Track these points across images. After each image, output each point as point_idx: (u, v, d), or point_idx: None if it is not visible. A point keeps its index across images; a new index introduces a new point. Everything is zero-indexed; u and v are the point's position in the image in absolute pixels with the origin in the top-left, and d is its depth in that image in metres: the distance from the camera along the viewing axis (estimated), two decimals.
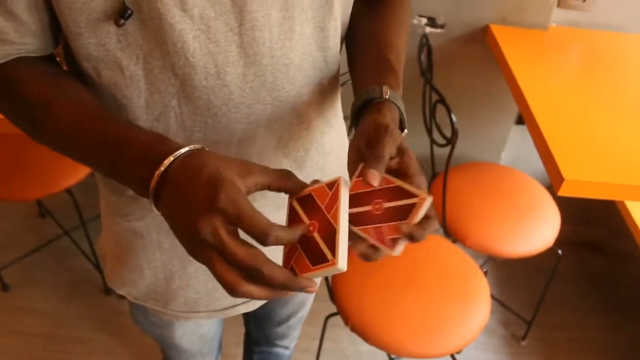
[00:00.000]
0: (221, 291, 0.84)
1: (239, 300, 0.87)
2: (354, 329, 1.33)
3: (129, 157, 0.56)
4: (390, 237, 0.53)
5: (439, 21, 1.69)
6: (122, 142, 0.57)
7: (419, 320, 1.32)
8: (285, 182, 0.54)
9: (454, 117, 1.33)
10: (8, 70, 0.62)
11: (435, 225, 0.55)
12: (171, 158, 0.52)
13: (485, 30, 1.70)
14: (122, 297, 0.87)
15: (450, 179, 1.76)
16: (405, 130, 0.65)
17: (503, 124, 1.92)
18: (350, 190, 0.57)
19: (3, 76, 0.62)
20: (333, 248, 0.51)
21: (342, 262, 0.50)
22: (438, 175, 1.81)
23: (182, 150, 0.53)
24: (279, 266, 0.50)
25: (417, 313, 1.33)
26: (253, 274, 0.48)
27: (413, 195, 0.54)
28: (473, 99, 1.85)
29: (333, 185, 0.55)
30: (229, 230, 0.48)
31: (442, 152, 1.95)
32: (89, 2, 0.56)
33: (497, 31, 1.66)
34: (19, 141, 1.73)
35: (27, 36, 0.60)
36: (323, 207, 0.54)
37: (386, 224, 0.54)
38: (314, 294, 1.14)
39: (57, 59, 0.69)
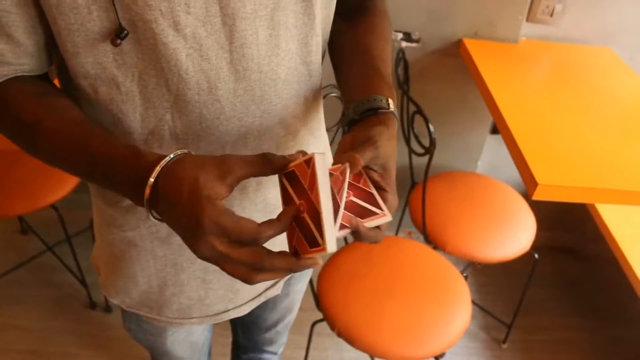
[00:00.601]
0: (212, 297, 0.87)
1: (230, 305, 0.90)
2: (340, 334, 1.36)
3: (119, 175, 0.60)
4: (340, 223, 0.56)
5: (414, 36, 1.75)
6: (110, 160, 0.60)
7: (402, 323, 1.36)
8: (264, 167, 0.57)
9: (432, 127, 1.39)
10: (1, 91, 0.64)
11: (379, 238, 0.61)
12: (157, 169, 0.56)
13: (458, 44, 1.77)
14: (107, 311, 0.89)
15: (429, 187, 1.81)
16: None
17: (478, 133, 1.98)
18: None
19: None
20: (321, 231, 0.53)
21: (330, 245, 0.52)
22: (417, 184, 1.86)
23: (166, 160, 0.57)
24: (279, 256, 0.55)
25: (401, 317, 1.37)
26: (258, 267, 0.53)
27: (378, 207, 0.59)
28: (449, 110, 1.91)
29: (309, 162, 0.55)
30: (223, 242, 0.53)
31: (420, 162, 2.00)
32: (86, 23, 0.59)
33: (470, 45, 1.72)
34: (3, 157, 1.73)
35: (23, 57, 0.63)
36: (306, 186, 0.55)
37: (344, 212, 0.57)
38: (300, 299, 1.18)
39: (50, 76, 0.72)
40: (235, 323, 1.26)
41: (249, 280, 0.55)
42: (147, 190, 0.56)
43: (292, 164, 0.58)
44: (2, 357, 1.81)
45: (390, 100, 0.68)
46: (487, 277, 2.19)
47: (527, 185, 1.24)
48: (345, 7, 0.82)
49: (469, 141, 1.99)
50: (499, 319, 2.00)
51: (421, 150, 1.53)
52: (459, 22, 1.73)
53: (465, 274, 1.75)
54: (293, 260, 0.56)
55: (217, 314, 0.90)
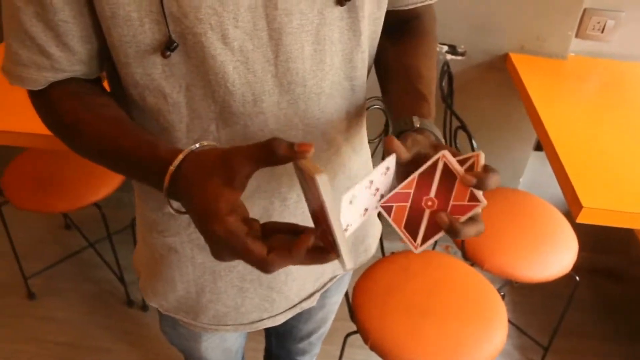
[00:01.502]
0: (248, 306, 0.88)
1: (265, 314, 0.90)
2: (373, 348, 1.35)
3: (147, 169, 0.61)
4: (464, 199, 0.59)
5: (460, 49, 1.73)
6: (139, 157, 0.62)
7: (437, 340, 1.34)
8: (270, 158, 0.52)
9: (474, 143, 1.37)
10: (50, 92, 0.67)
11: (480, 229, 0.62)
12: (180, 157, 0.57)
13: (505, 59, 1.74)
14: (144, 309, 0.91)
15: None
16: None
17: (522, 150, 1.95)
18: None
19: (44, 98, 0.68)
20: (338, 252, 0.53)
21: (348, 264, 0.53)
22: None
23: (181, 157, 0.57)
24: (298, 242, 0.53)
25: (435, 334, 1.35)
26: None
27: (472, 198, 0.59)
28: (492, 125, 1.88)
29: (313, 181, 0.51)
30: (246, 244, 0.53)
31: None
32: (138, 35, 0.61)
33: (517, 60, 1.69)
34: (50, 156, 1.79)
35: (76, 64, 0.65)
36: (318, 199, 0.51)
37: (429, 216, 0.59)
38: (335, 311, 1.18)
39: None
40: (269, 332, 1.27)
41: (265, 267, 0.53)
42: (167, 179, 0.57)
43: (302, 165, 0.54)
44: (40, 348, 1.86)
45: (414, 118, 0.68)
46: (523, 296, 2.14)
47: (571, 207, 1.21)
48: (392, 25, 0.82)
49: (511, 157, 1.96)
50: (535, 339, 1.95)
51: None
52: (506, 36, 1.70)
53: (502, 293, 1.72)
54: (325, 254, 0.55)
55: (252, 322, 0.90)
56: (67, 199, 1.66)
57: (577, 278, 1.69)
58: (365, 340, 1.36)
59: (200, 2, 0.59)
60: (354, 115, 0.79)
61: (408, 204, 0.60)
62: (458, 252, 1.70)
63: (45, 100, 0.68)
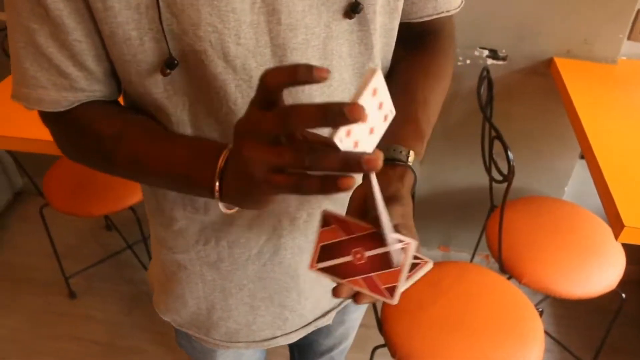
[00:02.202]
0: (260, 324, 0.86)
1: (278, 332, 0.89)
2: None
3: (194, 163, 0.58)
4: (385, 286, 0.51)
5: (501, 53, 1.66)
6: (189, 152, 0.60)
7: (468, 358, 1.29)
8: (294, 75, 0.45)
9: (510, 155, 1.30)
10: (78, 113, 0.66)
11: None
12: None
13: (549, 63, 1.66)
14: None
15: (509, 212, 1.72)
16: None
17: (567, 158, 1.85)
18: (321, 241, 0.54)
19: (74, 118, 0.66)
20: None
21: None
22: (497, 208, 1.77)
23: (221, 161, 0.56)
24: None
25: (466, 351, 1.30)
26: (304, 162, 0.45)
27: (417, 257, 0.54)
28: (535, 132, 1.80)
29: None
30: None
31: (501, 184, 1.91)
32: (138, 54, 0.59)
33: (562, 64, 1.61)
34: None
35: (95, 84, 0.64)
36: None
37: (376, 274, 0.52)
38: (357, 327, 1.15)
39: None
40: (292, 346, 1.25)
41: (299, 187, 0.47)
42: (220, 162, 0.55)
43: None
44: (80, 346, 1.91)
45: (411, 153, 0.63)
46: (566, 310, 2.04)
47: (613, 225, 1.14)
48: (407, 36, 0.78)
49: (556, 166, 1.87)
50: (576, 355, 1.85)
51: (500, 177, 1.45)
52: (551, 39, 1.62)
53: (540, 309, 1.64)
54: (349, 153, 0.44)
55: (265, 340, 0.89)
56: (103, 203, 1.70)
57: (624, 295, 1.60)
58: (393, 354, 1.33)
59: (199, 19, 0.57)
60: None
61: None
62: (495, 264, 1.63)
63: (71, 122, 0.67)
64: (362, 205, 0.58)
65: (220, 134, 0.66)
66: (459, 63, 1.68)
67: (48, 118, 0.68)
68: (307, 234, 0.77)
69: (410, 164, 0.63)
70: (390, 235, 0.51)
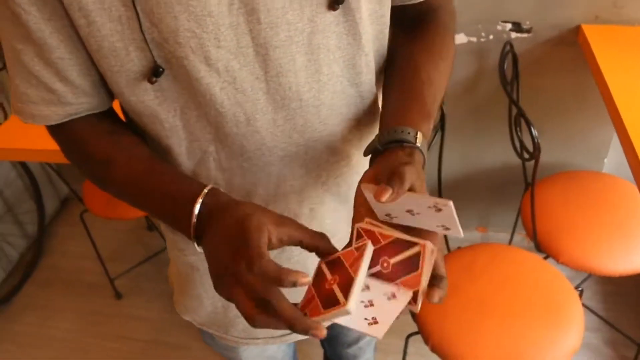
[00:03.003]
0: None
1: None
2: (434, 350, 1.30)
3: (172, 213, 0.62)
4: (410, 291, 0.53)
5: (525, 25, 1.60)
6: (166, 200, 0.63)
7: (502, 343, 1.26)
8: (319, 242, 0.56)
9: (535, 132, 1.26)
10: (71, 130, 0.68)
11: (445, 285, 0.54)
12: (195, 210, 0.58)
13: (576, 31, 1.58)
14: None
15: (544, 190, 1.66)
16: None
17: (603, 128, 1.77)
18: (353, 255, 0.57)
19: (67, 135, 0.69)
20: (347, 293, 0.52)
21: (352, 303, 0.50)
22: (530, 186, 1.71)
23: (200, 202, 0.58)
24: (289, 303, 0.51)
25: (501, 336, 1.27)
26: (266, 305, 0.51)
27: (413, 244, 0.53)
28: (568, 104, 1.73)
29: (360, 247, 0.55)
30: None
31: (542, 158, 1.84)
32: (125, 64, 0.60)
33: (590, 31, 1.53)
34: None
35: (82, 97, 0.66)
36: (347, 265, 0.55)
37: (400, 280, 0.53)
38: None
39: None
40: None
41: (251, 319, 0.52)
42: (193, 223, 0.59)
43: (338, 253, 0.57)
44: (127, 345, 1.98)
45: (419, 134, 0.62)
46: (614, 286, 1.96)
47: None
48: (404, 19, 0.76)
49: (593, 137, 1.79)
50: (626, 334, 1.78)
51: (528, 155, 1.40)
52: (577, 5, 1.54)
53: (580, 288, 1.59)
54: (298, 313, 0.52)
55: (283, 335, 0.90)
56: None
57: None
58: (426, 341, 1.32)
59: (177, 26, 0.57)
60: (365, 123, 0.74)
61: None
62: (530, 243, 1.59)
63: (68, 136, 0.69)
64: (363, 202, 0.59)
65: (213, 136, 0.67)
66: (482, 39, 1.63)
67: (50, 131, 0.70)
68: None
69: (418, 145, 0.61)
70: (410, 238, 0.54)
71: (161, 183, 0.64)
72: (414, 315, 1.36)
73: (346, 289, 0.52)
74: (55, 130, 0.69)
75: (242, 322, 0.87)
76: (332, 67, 0.65)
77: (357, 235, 0.58)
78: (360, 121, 0.73)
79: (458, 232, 0.55)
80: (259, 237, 0.52)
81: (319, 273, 0.57)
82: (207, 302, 0.86)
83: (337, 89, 0.67)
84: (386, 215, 0.58)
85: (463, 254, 1.48)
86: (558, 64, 1.65)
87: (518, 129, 1.45)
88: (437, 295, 0.53)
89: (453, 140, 1.88)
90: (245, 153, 0.68)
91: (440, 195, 1.54)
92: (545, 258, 1.53)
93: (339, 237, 0.62)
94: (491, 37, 1.62)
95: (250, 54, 0.61)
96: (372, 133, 0.77)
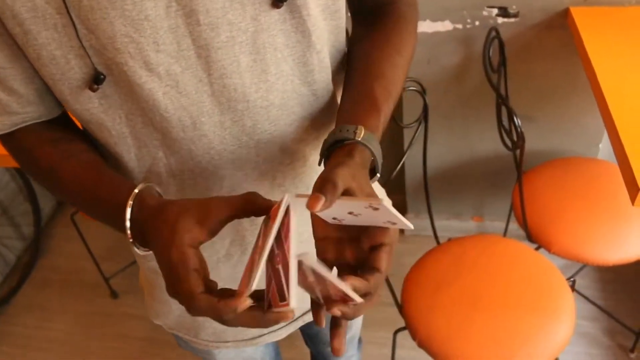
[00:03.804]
0: None
1: (265, 330, 0.88)
2: (421, 345, 1.28)
3: (112, 220, 0.62)
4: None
5: (512, 10, 1.56)
6: (103, 206, 0.63)
7: (490, 338, 1.24)
8: (247, 208, 0.55)
9: (517, 121, 1.23)
10: (18, 139, 0.67)
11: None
12: (127, 215, 0.58)
13: (565, 14, 1.54)
14: None
15: (536, 177, 1.63)
16: (378, 175, 0.62)
17: (597, 113, 1.72)
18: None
19: (15, 144, 0.68)
20: (288, 285, 0.49)
21: (294, 302, 0.48)
22: (524, 173, 1.68)
23: (130, 203, 0.58)
24: (245, 313, 0.51)
25: (490, 330, 1.25)
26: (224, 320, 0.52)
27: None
28: (559, 90, 1.69)
29: (281, 206, 0.52)
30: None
31: (531, 148, 1.81)
32: (66, 72, 0.59)
33: (579, 14, 1.49)
34: None
35: (27, 106, 0.65)
36: (282, 234, 0.52)
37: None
38: (360, 319, 1.12)
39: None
40: (304, 335, 1.24)
41: (223, 323, 0.53)
42: (129, 232, 0.59)
43: (273, 209, 0.54)
44: (126, 344, 1.99)
45: (359, 129, 0.59)
46: (614, 274, 1.93)
47: (629, 189, 1.05)
48: (361, 12, 0.74)
49: (586, 123, 1.75)
50: (625, 324, 1.75)
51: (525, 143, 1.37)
52: None
53: (572, 279, 1.56)
54: (259, 316, 0.51)
55: (253, 338, 0.88)
56: None
57: None
58: (413, 336, 1.30)
59: (114, 32, 0.55)
60: (322, 122, 0.72)
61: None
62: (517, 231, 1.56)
63: (17, 145, 0.69)
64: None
65: (160, 142, 0.65)
66: (468, 26, 1.59)
67: (1, 139, 0.69)
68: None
69: (359, 139, 0.59)
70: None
71: (97, 190, 0.63)
72: (401, 310, 1.34)
73: (287, 276, 0.49)
74: (5, 139, 0.69)
75: (210, 326, 0.86)
76: (281, 66, 0.63)
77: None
78: (316, 120, 0.71)
79: (405, 226, 0.53)
80: (186, 274, 0.52)
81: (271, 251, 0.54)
82: (175, 307, 0.85)
83: (287, 88, 0.65)
84: (333, 218, 0.56)
85: (452, 246, 1.46)
86: (547, 49, 1.61)
87: (513, 116, 1.42)
88: None
89: (443, 130, 1.85)
90: (194, 158, 0.66)
91: (426, 186, 1.51)
92: (537, 248, 1.50)
93: (305, 238, 0.61)
94: (477, 23, 1.59)
95: (192, 57, 0.59)
96: (329, 131, 0.75)
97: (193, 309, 0.52)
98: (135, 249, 0.60)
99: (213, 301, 0.51)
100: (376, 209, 0.51)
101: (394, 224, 0.54)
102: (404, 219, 0.52)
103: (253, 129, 0.66)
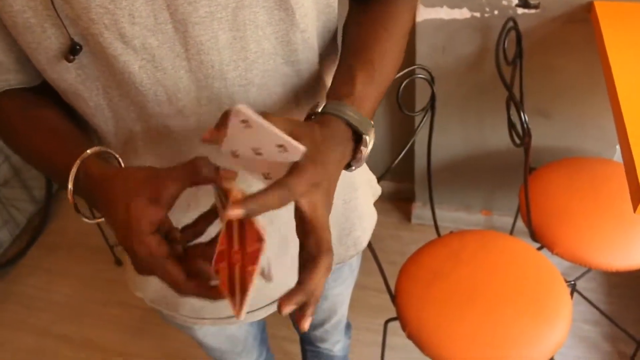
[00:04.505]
0: (224, 301, 0.85)
1: None
2: (410, 337, 1.27)
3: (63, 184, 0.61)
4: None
5: (532, 1, 1.50)
6: (55, 172, 0.64)
7: (481, 335, 1.22)
8: (194, 177, 0.53)
9: (525, 117, 1.19)
10: None
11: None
12: (71, 175, 0.59)
13: (589, 8, 1.48)
14: None
15: (547, 175, 1.59)
16: (366, 138, 0.59)
17: None
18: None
19: None
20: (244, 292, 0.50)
21: (242, 316, 0.50)
22: (533, 170, 1.64)
23: (74, 169, 0.59)
24: (193, 283, 0.52)
25: (481, 327, 1.23)
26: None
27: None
28: (577, 87, 1.64)
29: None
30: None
31: (544, 143, 1.76)
32: (42, 41, 0.58)
33: (602, 8, 1.43)
34: None
35: (6, 73, 0.64)
36: (247, 237, 0.50)
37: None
38: (345, 301, 1.11)
39: None
40: (290, 317, 1.24)
41: (180, 292, 0.53)
42: (70, 196, 0.60)
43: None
44: (125, 311, 2.02)
45: (320, 102, 0.58)
46: (621, 278, 1.88)
47: (632, 197, 1.01)
48: None
49: (604, 123, 1.69)
50: (626, 331, 1.71)
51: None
52: None
53: (573, 282, 1.53)
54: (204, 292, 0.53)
55: (230, 316, 0.88)
56: None
57: None
58: (403, 328, 1.29)
59: (89, 2, 0.54)
60: (306, 104, 0.70)
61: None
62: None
63: None
64: None
65: (137, 116, 0.64)
66: (486, 14, 1.55)
67: None
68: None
69: (319, 110, 0.58)
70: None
71: (52, 155, 0.63)
72: (393, 300, 1.33)
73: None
74: None
75: (188, 302, 0.86)
76: (262, 44, 0.62)
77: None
78: (299, 101, 0.69)
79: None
80: (154, 262, 0.52)
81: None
82: (154, 281, 0.84)
83: (268, 67, 0.63)
84: (232, 152, 0.53)
85: (451, 240, 1.43)
86: (568, 44, 1.55)
87: (520, 112, 1.38)
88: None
89: (455, 120, 1.81)
90: (171, 134, 0.65)
91: (430, 176, 1.47)
92: (540, 248, 1.47)
93: (285, 220, 0.60)
94: (496, 12, 1.54)
95: (169, 31, 0.57)
96: None
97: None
98: (82, 217, 0.61)
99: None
100: (286, 150, 0.48)
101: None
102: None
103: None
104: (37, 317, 2.05)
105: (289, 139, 0.48)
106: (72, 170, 0.58)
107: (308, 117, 0.59)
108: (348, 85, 0.60)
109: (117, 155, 0.63)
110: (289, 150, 0.49)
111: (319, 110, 0.58)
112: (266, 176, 0.54)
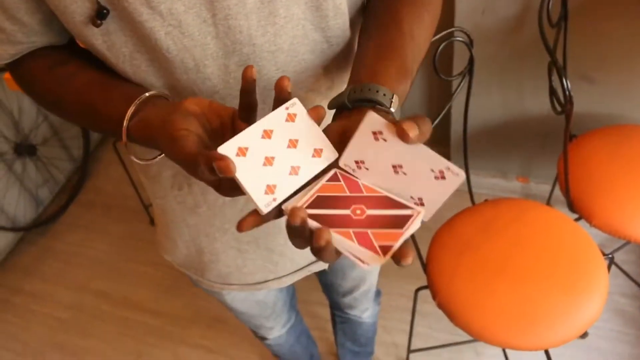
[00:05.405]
0: (251, 267, 0.86)
1: (271, 275, 0.88)
2: (440, 306, 1.26)
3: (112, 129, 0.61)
4: (380, 243, 0.47)
5: None
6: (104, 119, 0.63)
7: (513, 308, 1.20)
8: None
9: (567, 84, 1.13)
10: (24, 67, 0.67)
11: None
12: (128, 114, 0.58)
13: None
14: None
15: (588, 143, 1.53)
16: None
17: None
18: (319, 191, 0.52)
19: (21, 72, 0.68)
20: None
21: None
22: (574, 137, 1.58)
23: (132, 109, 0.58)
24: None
25: (513, 299, 1.21)
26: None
27: (405, 207, 0.49)
28: (625, 52, 1.55)
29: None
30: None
31: (589, 111, 1.69)
32: (69, 5, 0.57)
33: None
34: None
35: (32, 35, 0.64)
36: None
37: (372, 230, 0.48)
38: (374, 271, 1.10)
39: None
40: (320, 283, 1.24)
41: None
42: (124, 134, 0.59)
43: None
44: (158, 271, 2.06)
45: (395, 98, 0.53)
46: None
47: None
48: None
49: None
50: None
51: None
52: None
53: (611, 255, 1.48)
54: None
55: (257, 283, 0.89)
56: None
57: None
58: (434, 297, 1.28)
59: None
60: (335, 72, 0.68)
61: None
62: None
63: (23, 74, 0.69)
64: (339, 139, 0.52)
65: (163, 83, 0.63)
66: None
67: (8, 67, 0.69)
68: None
69: (393, 110, 0.53)
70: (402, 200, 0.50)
71: (99, 105, 0.63)
72: (424, 268, 1.31)
73: None
74: (10, 67, 0.68)
75: (215, 268, 0.86)
76: (292, 9, 0.59)
77: (332, 178, 0.52)
78: (329, 69, 0.67)
79: (426, 217, 0.49)
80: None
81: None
82: (182, 245, 0.86)
83: (297, 33, 0.61)
84: (356, 162, 0.51)
85: (486, 208, 1.40)
86: (617, 5, 1.46)
87: (562, 78, 1.32)
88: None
89: (494, 83, 1.75)
90: None
91: (465, 142, 1.43)
92: (578, 219, 1.42)
93: None
94: None
95: None
96: (344, 82, 0.71)
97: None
98: (133, 158, 0.63)
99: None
100: (442, 177, 0.47)
101: (422, 204, 0.49)
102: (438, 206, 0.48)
103: (259, 74, 0.62)
104: (75, 272, 2.12)
105: (449, 163, 0.46)
106: (129, 111, 0.58)
107: (368, 100, 0.54)
108: (405, 85, 0.58)
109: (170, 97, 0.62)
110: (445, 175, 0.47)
111: (389, 105, 0.53)
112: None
